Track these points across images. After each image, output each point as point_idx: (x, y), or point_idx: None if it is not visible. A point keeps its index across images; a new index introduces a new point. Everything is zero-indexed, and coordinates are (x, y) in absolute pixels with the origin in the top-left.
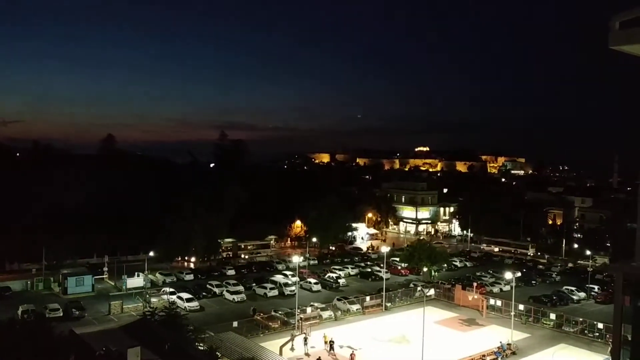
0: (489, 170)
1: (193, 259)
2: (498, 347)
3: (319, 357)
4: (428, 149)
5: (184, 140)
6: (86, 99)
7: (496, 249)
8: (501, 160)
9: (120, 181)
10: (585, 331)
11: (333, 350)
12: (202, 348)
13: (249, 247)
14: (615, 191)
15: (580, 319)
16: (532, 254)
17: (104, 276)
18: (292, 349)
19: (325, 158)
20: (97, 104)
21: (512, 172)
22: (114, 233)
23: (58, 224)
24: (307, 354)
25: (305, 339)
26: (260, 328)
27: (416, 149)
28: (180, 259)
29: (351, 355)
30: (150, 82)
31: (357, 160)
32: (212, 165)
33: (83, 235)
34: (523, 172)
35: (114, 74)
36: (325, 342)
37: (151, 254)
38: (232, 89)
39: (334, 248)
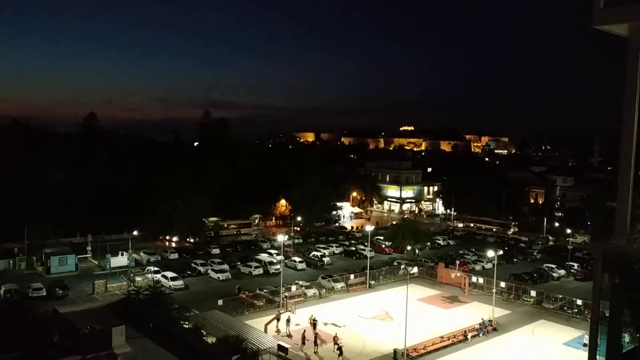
0: (473, 150)
1: (175, 239)
2: (480, 324)
3: (303, 333)
4: (412, 128)
5: (167, 119)
6: (65, 77)
7: (474, 226)
8: (485, 139)
9: (102, 160)
10: (565, 307)
11: (316, 329)
12: (187, 326)
13: (231, 227)
14: (596, 171)
15: (560, 296)
16: (513, 233)
17: (88, 255)
18: (277, 330)
19: (310, 137)
20: (76, 81)
21: (496, 151)
22: (96, 212)
23: (39, 202)
24: (289, 335)
25: (288, 320)
26: (245, 306)
27: (401, 129)
28: (163, 238)
29: (334, 337)
30: (131, 59)
31: (342, 139)
32: (195, 144)
33: (65, 214)
34: (506, 151)
35: (94, 51)
36: (310, 323)
37: (135, 233)
38: (216, 68)
39: (319, 225)
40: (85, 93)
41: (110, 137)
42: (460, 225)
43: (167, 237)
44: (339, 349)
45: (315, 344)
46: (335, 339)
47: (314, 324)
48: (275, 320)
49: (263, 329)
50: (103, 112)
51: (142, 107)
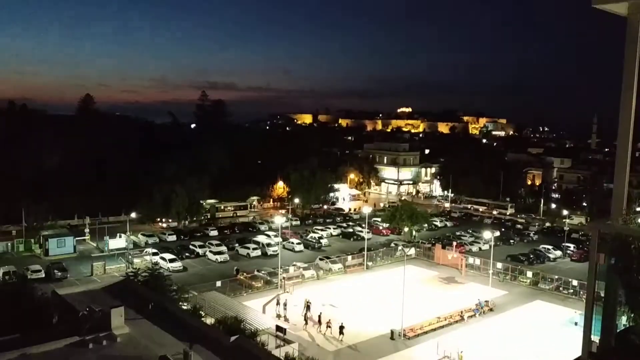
0: (470, 132)
1: (170, 221)
2: (476, 304)
3: (305, 313)
4: (410, 110)
5: (163, 101)
6: (61, 59)
7: (472, 207)
8: (483, 121)
9: (99, 142)
10: (561, 288)
11: (309, 312)
12: (185, 307)
13: (227, 209)
14: (594, 152)
15: (556, 277)
16: (510, 214)
17: (86, 237)
18: (277, 315)
19: (307, 119)
20: (73, 63)
21: (494, 133)
22: (94, 194)
23: (37, 185)
24: (286, 319)
25: (285, 304)
26: (244, 287)
27: (398, 110)
28: (160, 220)
29: (327, 322)
30: (128, 41)
31: (340, 121)
32: (193, 126)
33: (63, 197)
34: (504, 133)
35: (90, 33)
36: (305, 306)
37: (133, 215)
38: (213, 49)
39: (317, 207)
40: (81, 75)
41: (106, 119)
42: (458, 206)
43: (164, 220)
44: (340, 328)
45: (320, 323)
46: (328, 324)
47: (307, 306)
48: (275, 304)
49: (261, 310)
50: (99, 94)
51: (139, 88)
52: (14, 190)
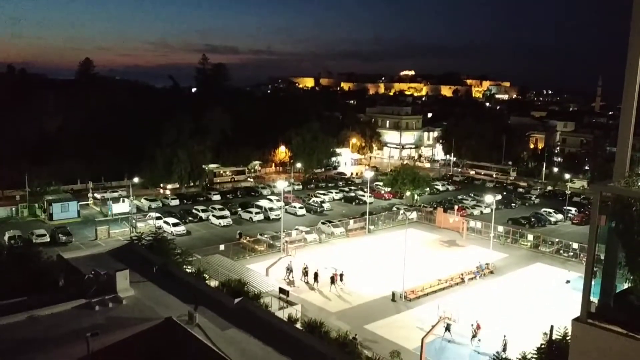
0: (473, 95)
1: (170, 186)
2: (477, 267)
3: (316, 272)
4: (413, 73)
5: (163, 65)
6: (60, 22)
7: (475, 172)
8: (486, 84)
9: (100, 107)
10: (561, 251)
11: (307, 276)
12: (189, 270)
13: (225, 174)
14: (598, 115)
15: (557, 240)
16: (512, 178)
17: (89, 202)
18: (288, 282)
19: (309, 82)
20: (71, 27)
21: (497, 96)
22: (96, 159)
23: (39, 150)
24: (292, 282)
25: (291, 269)
26: (247, 251)
27: (401, 73)
28: (163, 187)
29: (331, 277)
30: (127, 3)
31: (342, 84)
32: (193, 90)
33: (65, 161)
34: (507, 96)
35: None
36: (304, 273)
37: (135, 180)
38: (213, 12)
39: (319, 171)
40: (79, 38)
41: (106, 83)
42: (461, 170)
43: (165, 186)
44: (341, 276)
45: (333, 282)
46: (335, 277)
47: (305, 272)
48: (286, 272)
49: (265, 272)
50: (98, 58)
51: (138, 52)
52: (16, 155)
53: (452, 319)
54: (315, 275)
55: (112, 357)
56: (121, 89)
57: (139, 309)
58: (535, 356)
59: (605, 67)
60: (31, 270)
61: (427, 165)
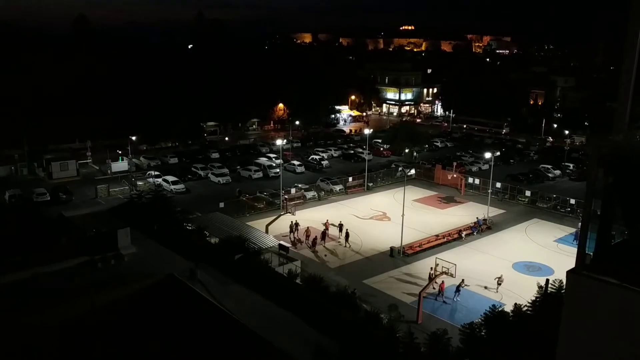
0: (474, 50)
1: (170, 144)
2: (474, 222)
3: (324, 231)
4: (413, 27)
5: (158, 21)
6: None
7: (476, 128)
8: (487, 39)
9: (96, 64)
10: (558, 207)
11: (297, 232)
12: (190, 228)
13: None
14: (599, 71)
15: (554, 196)
16: (506, 133)
17: (88, 161)
18: (294, 241)
19: (307, 38)
20: None
21: (497, 51)
22: (94, 117)
23: (36, 108)
24: (299, 240)
25: (292, 226)
26: (246, 208)
27: (401, 28)
28: (161, 144)
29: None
30: None
31: (340, 40)
32: (190, 46)
33: (62, 120)
34: (508, 51)
35: None
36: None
37: (134, 138)
38: None
39: (318, 129)
40: None
41: (101, 39)
42: (459, 126)
43: (163, 144)
44: (340, 226)
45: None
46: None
47: (295, 225)
48: (289, 232)
49: (264, 230)
50: (92, 14)
51: (132, 7)
52: (14, 114)
53: (450, 273)
54: (340, 227)
55: (116, 312)
56: (117, 45)
57: (140, 265)
58: (530, 309)
59: (608, 20)
60: (33, 229)
61: (426, 121)
